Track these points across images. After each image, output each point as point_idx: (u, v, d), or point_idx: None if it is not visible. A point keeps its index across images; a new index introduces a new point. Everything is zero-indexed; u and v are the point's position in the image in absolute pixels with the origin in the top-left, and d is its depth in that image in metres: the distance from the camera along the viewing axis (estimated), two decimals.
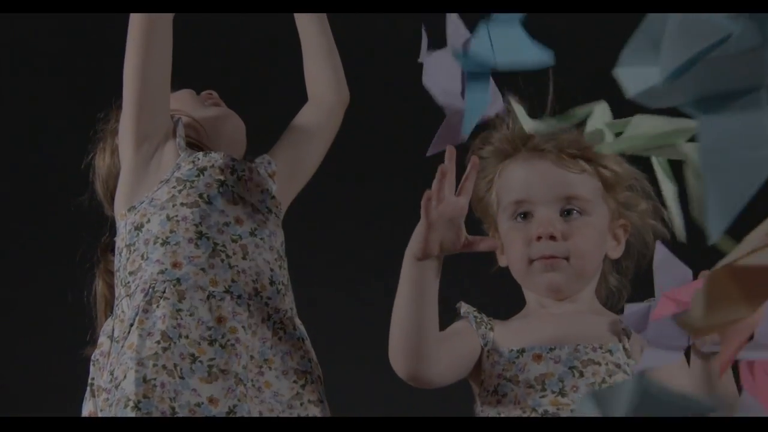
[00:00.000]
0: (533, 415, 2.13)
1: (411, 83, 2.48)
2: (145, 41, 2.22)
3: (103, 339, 2.17)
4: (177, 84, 2.43)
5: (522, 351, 2.19)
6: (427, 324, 2.08)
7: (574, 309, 2.24)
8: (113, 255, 2.31)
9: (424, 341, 2.08)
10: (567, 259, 2.19)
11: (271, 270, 2.23)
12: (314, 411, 2.15)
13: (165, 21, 2.25)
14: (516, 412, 2.15)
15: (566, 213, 2.21)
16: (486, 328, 2.23)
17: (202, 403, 2.06)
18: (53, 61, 3.49)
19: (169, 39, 2.26)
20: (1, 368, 3.39)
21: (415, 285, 2.06)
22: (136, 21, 2.24)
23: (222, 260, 2.18)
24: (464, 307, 2.26)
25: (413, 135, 2.43)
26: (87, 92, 2.52)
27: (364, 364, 3.15)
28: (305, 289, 2.36)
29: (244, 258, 2.20)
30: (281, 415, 2.13)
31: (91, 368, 2.17)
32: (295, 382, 2.16)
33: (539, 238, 2.19)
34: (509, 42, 1.48)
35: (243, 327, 2.13)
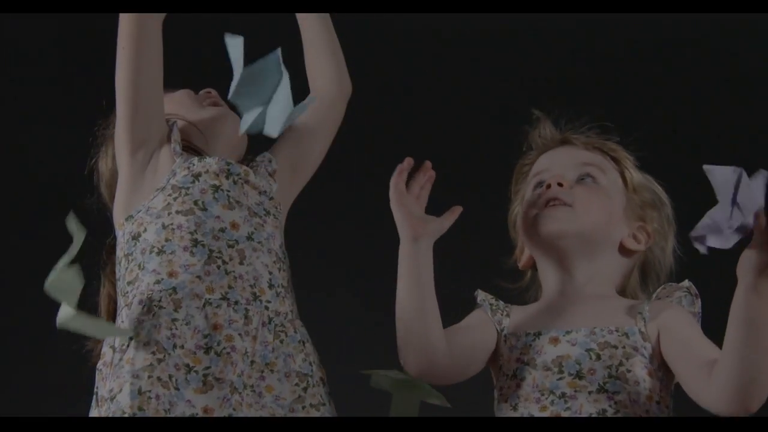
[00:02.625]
0: (551, 397, 2.15)
1: (415, 82, 2.50)
2: (134, 49, 2.21)
3: (106, 349, 2.17)
4: (176, 83, 2.42)
5: (538, 334, 2.22)
6: (429, 312, 2.15)
7: (591, 292, 2.26)
8: None
9: (429, 330, 2.15)
10: (572, 207, 2.26)
11: (270, 273, 2.21)
12: (315, 415, 2.14)
13: (154, 27, 2.23)
14: (534, 395, 2.17)
15: (581, 179, 2.31)
16: (502, 314, 2.26)
17: (197, 414, 2.05)
18: (56, 63, 3.49)
19: (159, 45, 2.24)
20: (10, 371, 3.38)
21: (412, 274, 2.16)
22: (124, 30, 2.22)
23: (218, 266, 2.16)
24: (481, 295, 2.30)
25: (417, 133, 2.44)
26: (90, 93, 2.51)
27: (367, 363, 3.14)
28: (306, 290, 2.35)
29: (241, 263, 2.18)
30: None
31: (96, 377, 2.17)
32: (297, 385, 2.15)
33: (549, 186, 2.28)
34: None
35: (239, 335, 2.12)
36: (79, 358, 2.30)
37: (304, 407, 2.14)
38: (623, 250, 2.30)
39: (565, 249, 2.27)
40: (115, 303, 2.29)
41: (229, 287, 2.15)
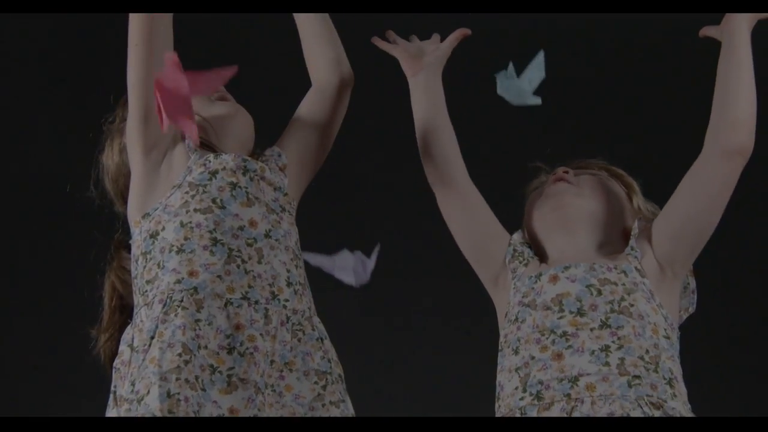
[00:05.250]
0: (552, 337, 2.16)
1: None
2: (146, 48, 2.18)
3: (123, 347, 2.15)
4: None
5: (539, 275, 2.24)
6: (438, 129, 2.35)
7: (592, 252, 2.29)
8: (126, 251, 2.30)
9: (446, 139, 2.35)
10: (577, 186, 2.32)
11: (288, 271, 2.20)
12: (335, 412, 2.14)
13: (164, 25, 2.20)
14: (535, 336, 2.18)
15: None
16: (520, 262, 2.29)
17: (223, 415, 2.04)
18: (56, 62, 3.47)
19: (170, 42, 2.22)
20: (21, 370, 3.36)
21: (421, 91, 2.38)
22: (135, 28, 2.19)
23: (238, 266, 2.16)
24: (514, 238, 2.34)
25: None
26: (91, 91, 2.51)
27: (379, 361, 3.14)
28: (321, 287, 2.34)
29: (259, 262, 2.17)
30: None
31: (114, 376, 2.15)
32: (316, 383, 2.15)
33: (554, 174, 2.36)
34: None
35: (261, 335, 2.12)
36: (87, 357, 2.30)
37: (324, 405, 2.14)
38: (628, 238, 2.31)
39: (569, 219, 2.29)
40: (121, 297, 2.29)
41: (249, 287, 2.15)
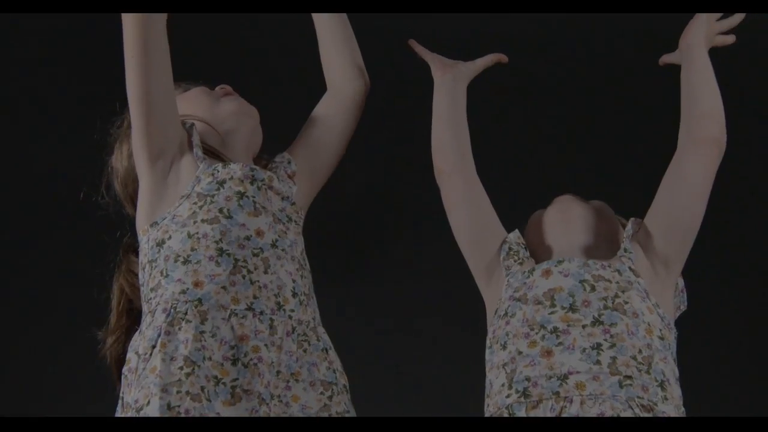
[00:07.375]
0: (542, 332, 2.16)
1: (427, 88, 2.51)
2: (142, 55, 2.16)
3: (131, 355, 2.15)
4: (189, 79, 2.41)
5: (532, 270, 2.25)
6: (460, 115, 2.39)
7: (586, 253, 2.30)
8: (135, 255, 2.31)
9: (462, 134, 2.38)
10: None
11: (293, 281, 2.20)
12: None
13: (159, 31, 2.18)
14: (524, 330, 2.17)
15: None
16: (514, 261, 2.29)
17: None
18: (61, 63, 3.47)
19: (166, 48, 2.20)
20: (25, 371, 3.36)
21: (445, 90, 2.41)
22: (130, 37, 2.17)
23: (243, 276, 2.16)
24: (511, 237, 2.34)
25: (426, 133, 2.45)
26: (98, 93, 2.50)
27: (381, 370, 3.14)
28: (325, 296, 2.35)
29: (265, 272, 2.17)
30: None
31: (122, 382, 2.15)
32: (322, 393, 2.15)
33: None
34: None
35: (266, 345, 2.12)
36: (94, 360, 2.31)
37: (330, 415, 2.14)
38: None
39: (571, 219, 2.32)
40: (129, 301, 2.30)
41: (254, 297, 2.15)
